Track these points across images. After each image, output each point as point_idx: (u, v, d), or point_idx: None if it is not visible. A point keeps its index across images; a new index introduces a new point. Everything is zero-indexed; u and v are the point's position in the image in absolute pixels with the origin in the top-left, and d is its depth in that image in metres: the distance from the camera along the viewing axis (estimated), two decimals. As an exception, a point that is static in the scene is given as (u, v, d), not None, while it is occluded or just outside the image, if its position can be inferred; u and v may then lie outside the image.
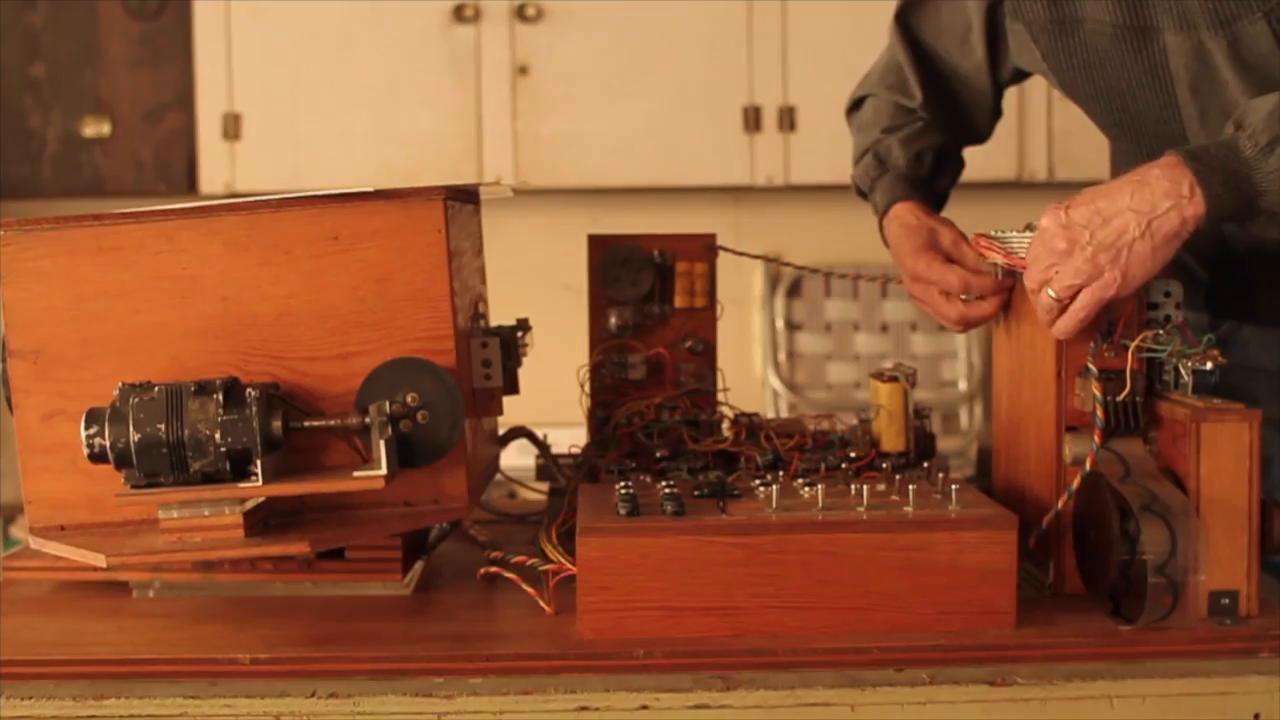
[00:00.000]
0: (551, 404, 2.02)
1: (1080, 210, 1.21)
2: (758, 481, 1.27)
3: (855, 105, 1.65)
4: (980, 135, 1.63)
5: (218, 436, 1.15)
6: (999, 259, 1.31)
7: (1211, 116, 1.35)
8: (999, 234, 1.32)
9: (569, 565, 1.20)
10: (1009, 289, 1.36)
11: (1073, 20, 1.40)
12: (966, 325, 1.39)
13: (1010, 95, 1.64)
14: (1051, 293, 1.21)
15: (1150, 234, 1.19)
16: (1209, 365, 1.21)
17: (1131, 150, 1.50)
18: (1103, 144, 1.60)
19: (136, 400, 1.16)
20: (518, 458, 1.59)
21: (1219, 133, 1.22)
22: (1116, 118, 1.48)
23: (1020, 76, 1.58)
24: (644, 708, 1.06)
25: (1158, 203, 1.19)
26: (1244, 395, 1.22)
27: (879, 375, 1.43)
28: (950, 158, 1.59)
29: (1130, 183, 1.20)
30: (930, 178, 1.55)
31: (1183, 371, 1.22)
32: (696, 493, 1.22)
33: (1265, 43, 1.27)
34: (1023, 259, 1.28)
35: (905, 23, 1.59)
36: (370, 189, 1.24)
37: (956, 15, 1.54)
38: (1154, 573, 1.12)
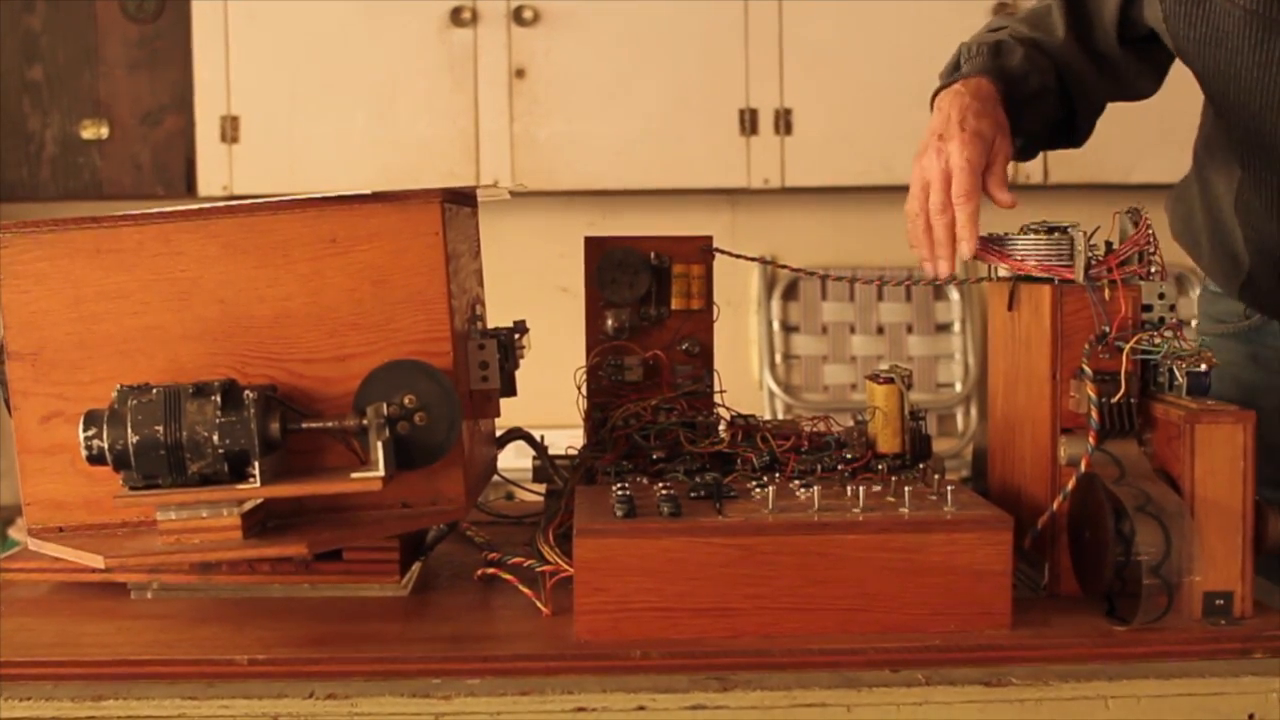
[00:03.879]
0: (548, 406, 2.02)
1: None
2: (754, 483, 1.27)
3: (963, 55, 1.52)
4: (1128, 88, 1.52)
5: (216, 438, 1.15)
6: (998, 262, 1.31)
7: None
8: (995, 237, 1.32)
9: (566, 566, 1.20)
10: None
11: None
12: (918, 237, 1.35)
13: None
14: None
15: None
16: (1203, 367, 1.21)
17: (1224, 130, 1.42)
18: (1097, 147, 1.60)
19: (134, 402, 1.16)
20: (515, 459, 1.59)
21: None
22: (1217, 99, 1.42)
23: (1158, 41, 1.46)
24: (641, 708, 1.06)
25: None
26: (1269, 387, 1.19)
27: (875, 377, 1.43)
28: (1043, 111, 1.48)
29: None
30: (1020, 104, 1.44)
31: (1177, 373, 1.23)
32: (693, 494, 1.22)
33: None
34: (1019, 261, 1.28)
35: None
36: (368, 191, 1.24)
37: None
38: (1149, 574, 1.12)
